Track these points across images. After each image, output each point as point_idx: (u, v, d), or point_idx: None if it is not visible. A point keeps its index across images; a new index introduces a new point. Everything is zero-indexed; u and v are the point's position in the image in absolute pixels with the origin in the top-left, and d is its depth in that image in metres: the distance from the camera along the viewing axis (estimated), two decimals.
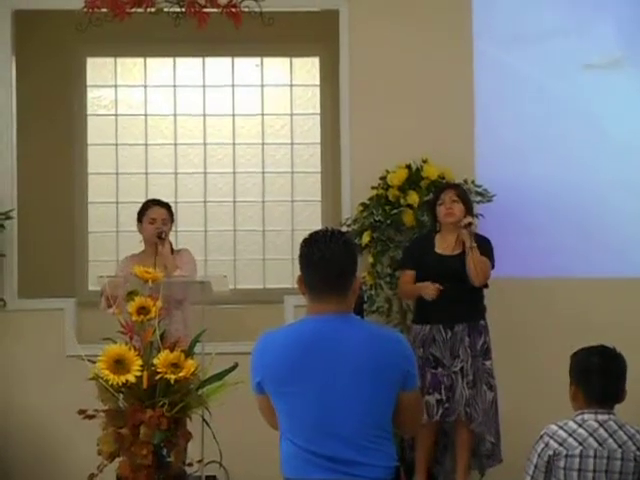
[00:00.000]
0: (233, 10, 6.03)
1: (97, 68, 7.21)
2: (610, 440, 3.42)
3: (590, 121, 6.31)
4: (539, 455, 3.48)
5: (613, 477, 3.41)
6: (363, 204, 6.05)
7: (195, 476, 4.55)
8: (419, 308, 5.57)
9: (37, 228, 6.64)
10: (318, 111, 7.12)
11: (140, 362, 3.73)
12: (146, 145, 7.17)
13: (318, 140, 7.11)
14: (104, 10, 5.99)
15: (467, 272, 5.36)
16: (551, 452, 3.45)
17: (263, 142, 7.21)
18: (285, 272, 6.87)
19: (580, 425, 3.45)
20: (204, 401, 3.90)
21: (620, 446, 3.42)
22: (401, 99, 6.22)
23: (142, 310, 3.88)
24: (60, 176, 7.06)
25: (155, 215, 5.53)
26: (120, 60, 7.21)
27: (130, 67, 7.23)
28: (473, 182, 6.04)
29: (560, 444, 3.44)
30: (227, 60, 7.21)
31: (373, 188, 6.06)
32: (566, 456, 3.42)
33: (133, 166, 7.16)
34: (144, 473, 3.73)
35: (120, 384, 3.69)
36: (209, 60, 7.22)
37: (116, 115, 7.19)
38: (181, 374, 3.72)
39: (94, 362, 3.77)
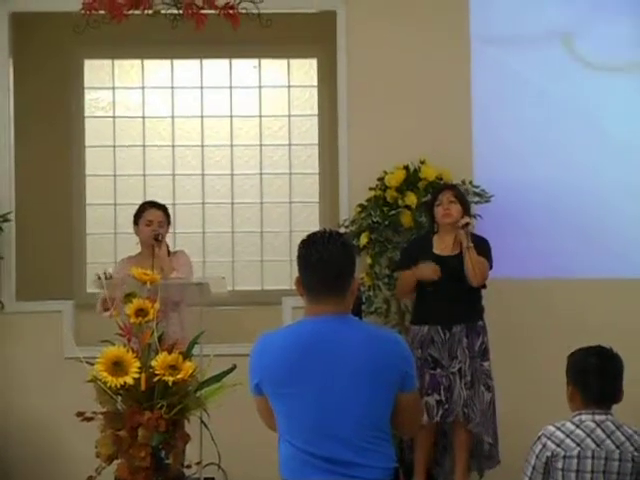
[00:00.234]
0: (231, 12, 6.02)
1: (95, 70, 7.22)
2: (608, 441, 3.42)
3: (589, 122, 6.30)
4: (537, 456, 3.48)
5: (611, 478, 3.40)
6: (361, 205, 6.05)
7: (193, 478, 4.53)
8: (417, 309, 5.57)
9: (35, 230, 6.65)
10: (316, 112, 7.13)
11: (138, 364, 3.73)
12: (144, 147, 7.18)
13: (316, 141, 7.11)
14: (101, 12, 5.98)
15: (465, 272, 5.36)
16: (549, 453, 3.45)
17: (261, 143, 7.21)
18: (283, 273, 6.88)
19: (578, 426, 3.45)
20: (202, 403, 3.90)
21: (618, 447, 3.42)
22: (399, 100, 6.22)
23: (140, 312, 3.88)
24: (58, 178, 7.07)
25: (152, 217, 5.52)
26: (118, 62, 7.21)
27: (128, 69, 7.24)
28: (471, 183, 6.04)
29: (558, 445, 3.44)
30: (225, 62, 7.22)
31: (371, 189, 6.06)
32: (564, 457, 3.42)
33: (131, 168, 7.17)
34: (142, 475, 3.73)
35: (118, 386, 3.69)
36: (207, 62, 7.23)
37: (114, 117, 7.20)
38: (179, 376, 3.72)
39: (92, 364, 3.76)
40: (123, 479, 3.78)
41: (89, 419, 3.82)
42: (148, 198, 6.22)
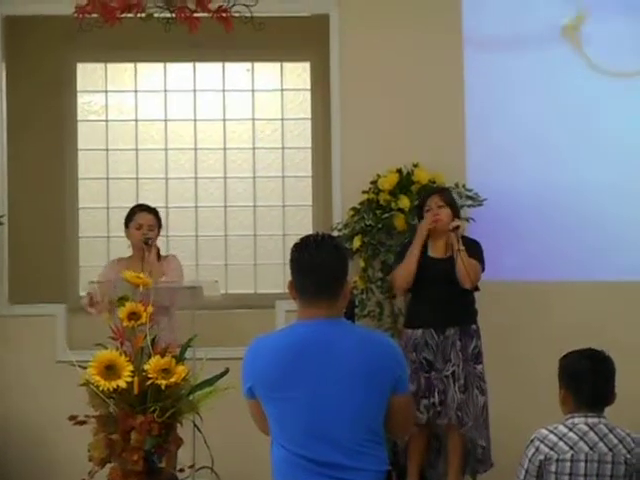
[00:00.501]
0: (224, 15, 6.02)
1: (87, 73, 7.22)
2: (601, 444, 3.43)
3: (582, 125, 6.30)
4: (530, 460, 3.48)
5: None
6: (354, 208, 6.04)
7: None
8: (410, 312, 5.57)
9: (28, 233, 6.64)
10: (309, 116, 7.14)
11: (131, 368, 3.71)
12: (137, 150, 7.18)
13: (309, 145, 7.12)
14: (94, 16, 5.97)
15: (457, 274, 5.36)
16: (542, 457, 3.45)
17: (254, 147, 7.22)
18: (276, 277, 6.88)
19: (570, 429, 3.46)
20: (195, 406, 3.88)
21: (611, 449, 3.42)
22: (392, 103, 6.22)
23: (133, 316, 3.88)
24: (51, 181, 7.07)
25: (142, 221, 5.49)
26: (110, 65, 7.22)
27: (120, 72, 7.25)
28: (464, 186, 6.04)
29: (551, 448, 3.44)
30: (218, 65, 7.23)
31: (364, 192, 6.06)
32: (557, 460, 3.42)
33: (124, 171, 7.17)
34: (135, 479, 3.72)
35: (111, 390, 3.68)
36: (200, 65, 7.23)
37: (107, 120, 7.20)
38: (172, 380, 3.71)
39: (85, 368, 3.75)
40: None
41: (82, 423, 3.80)
42: (141, 201, 6.21)
